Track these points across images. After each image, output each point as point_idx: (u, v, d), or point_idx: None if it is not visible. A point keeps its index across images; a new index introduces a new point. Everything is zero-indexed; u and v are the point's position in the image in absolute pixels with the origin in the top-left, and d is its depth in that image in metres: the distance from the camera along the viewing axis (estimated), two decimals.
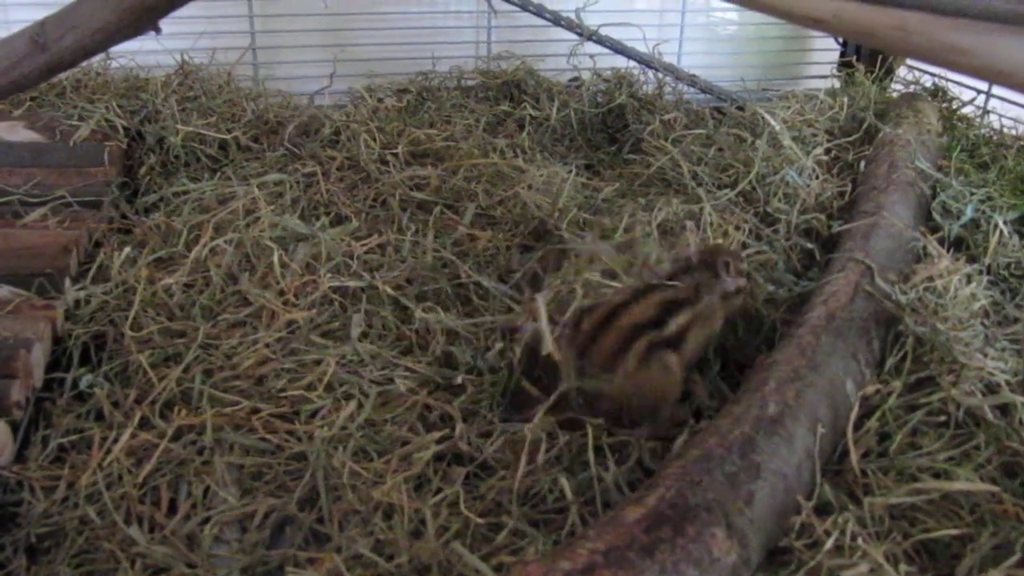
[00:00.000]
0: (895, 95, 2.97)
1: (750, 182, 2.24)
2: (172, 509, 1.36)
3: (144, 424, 1.49)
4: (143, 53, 2.67)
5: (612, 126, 2.83)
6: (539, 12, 2.92)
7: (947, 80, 2.98)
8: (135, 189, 2.36)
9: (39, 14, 1.77)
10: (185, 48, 2.76)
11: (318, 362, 1.59)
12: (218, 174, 2.33)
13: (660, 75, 2.99)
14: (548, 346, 1.45)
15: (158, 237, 1.97)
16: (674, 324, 1.54)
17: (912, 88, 3.06)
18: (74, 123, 2.37)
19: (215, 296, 1.76)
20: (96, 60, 2.65)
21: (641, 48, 3.03)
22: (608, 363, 1.47)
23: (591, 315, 1.53)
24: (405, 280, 1.85)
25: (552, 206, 2.10)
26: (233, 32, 2.92)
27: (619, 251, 1.78)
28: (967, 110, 2.90)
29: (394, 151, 2.39)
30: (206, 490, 1.37)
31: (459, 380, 1.58)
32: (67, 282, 1.80)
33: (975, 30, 1.09)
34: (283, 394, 1.53)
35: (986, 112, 2.87)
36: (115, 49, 2.43)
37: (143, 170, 2.40)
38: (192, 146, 2.43)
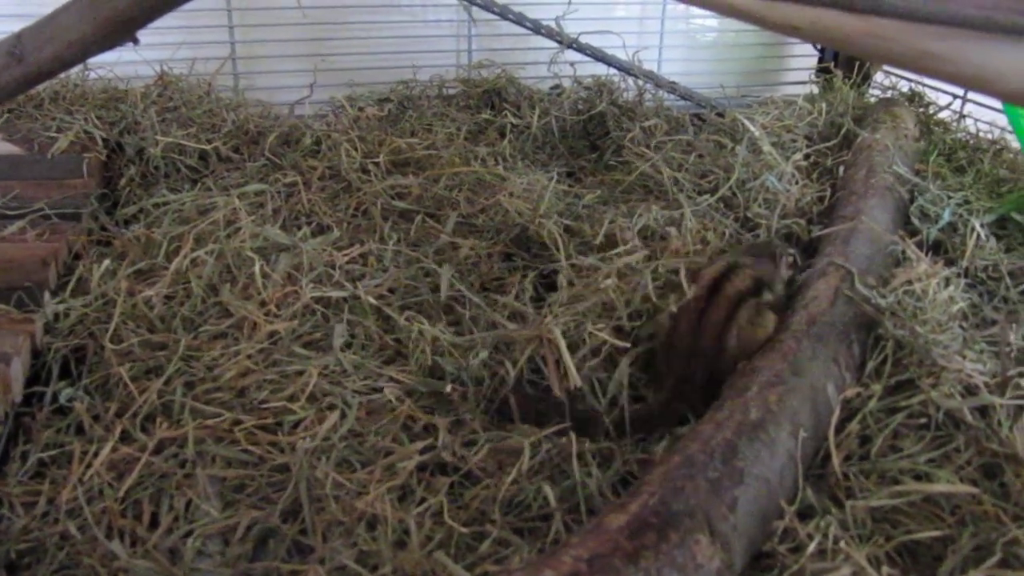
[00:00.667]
0: (873, 100, 3.00)
1: (730, 188, 2.26)
2: (154, 523, 1.35)
3: (125, 438, 1.47)
4: (122, 64, 2.65)
5: (593, 133, 2.84)
6: (519, 21, 2.93)
7: (924, 85, 3.01)
8: (115, 201, 2.35)
9: (16, 26, 1.75)
10: (164, 59, 2.74)
11: (300, 373, 1.58)
12: (198, 185, 2.33)
13: (640, 82, 3.00)
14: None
15: (138, 249, 1.96)
16: (769, 294, 1.69)
17: (889, 93, 3.10)
18: (52, 135, 2.35)
19: (196, 308, 1.75)
20: (74, 71, 2.64)
21: (621, 56, 3.05)
22: (719, 328, 1.60)
23: (698, 286, 1.66)
24: (388, 290, 1.85)
25: (533, 213, 2.11)
26: (213, 42, 2.91)
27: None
28: (944, 115, 2.93)
29: (375, 160, 2.39)
30: (188, 503, 1.36)
31: (448, 389, 1.58)
32: (46, 295, 1.79)
33: (948, 37, 1.10)
34: (265, 405, 1.52)
35: (962, 116, 2.90)
36: (93, 60, 2.41)
37: (123, 181, 2.38)
38: (172, 157, 2.42)
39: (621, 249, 1.90)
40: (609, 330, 1.63)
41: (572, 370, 1.51)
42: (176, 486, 1.39)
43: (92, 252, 2.01)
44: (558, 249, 1.95)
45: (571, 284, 1.81)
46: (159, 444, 1.45)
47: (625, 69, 3.03)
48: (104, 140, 2.41)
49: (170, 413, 1.52)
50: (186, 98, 2.66)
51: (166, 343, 1.67)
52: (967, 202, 2.21)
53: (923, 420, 1.50)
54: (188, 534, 1.31)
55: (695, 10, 3.54)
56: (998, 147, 2.63)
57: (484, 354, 1.63)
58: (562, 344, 1.55)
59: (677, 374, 1.59)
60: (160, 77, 2.72)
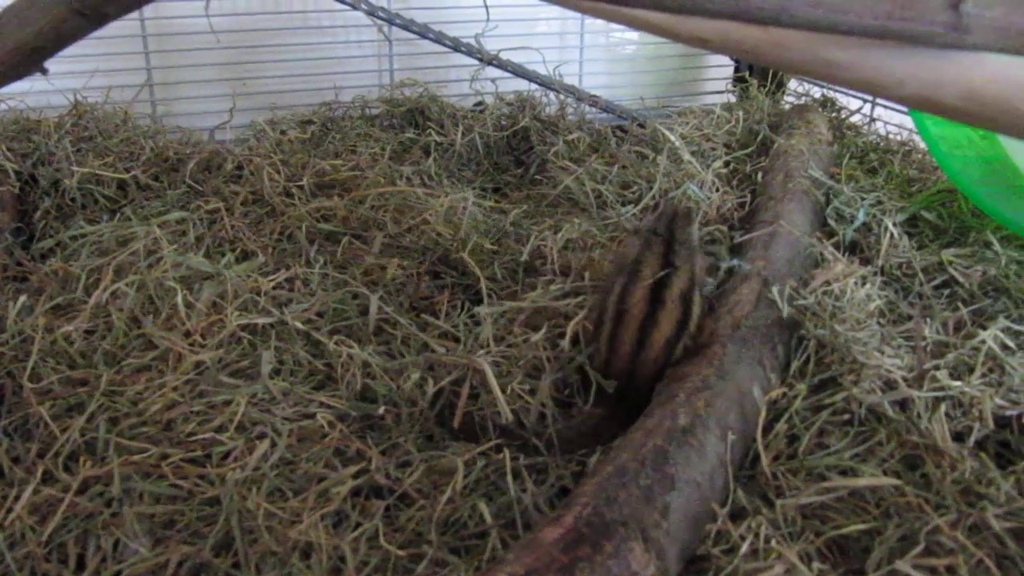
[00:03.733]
0: (787, 107, 3.08)
1: (653, 197, 2.30)
2: (80, 565, 1.30)
3: (47, 478, 1.42)
4: (34, 93, 2.58)
5: (517, 148, 2.86)
6: (439, 39, 2.94)
7: (835, 91, 3.11)
8: (30, 235, 2.27)
9: None
10: (78, 87, 2.68)
11: (228, 402, 1.55)
12: (117, 215, 2.27)
13: (562, 97, 3.03)
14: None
15: (56, 283, 1.90)
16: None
17: (803, 100, 3.19)
18: None
19: (118, 341, 1.71)
20: None
21: (542, 71, 3.08)
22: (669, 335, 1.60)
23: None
24: (316, 314, 1.83)
25: (453, 234, 2.10)
26: (128, 69, 2.85)
27: None
28: (855, 119, 3.03)
29: (299, 183, 2.36)
30: (116, 543, 1.32)
31: (381, 411, 1.57)
32: None
33: (849, 45, 1.14)
34: (193, 438, 1.49)
35: (873, 120, 3.00)
36: (3, 91, 2.34)
37: (38, 214, 2.31)
38: (89, 188, 2.36)
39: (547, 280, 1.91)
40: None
41: (503, 405, 1.51)
42: (103, 526, 1.34)
43: (7, 288, 1.94)
44: (479, 279, 1.95)
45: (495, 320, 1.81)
46: (83, 483, 1.40)
47: (546, 84, 3.06)
48: (17, 172, 2.35)
49: (94, 451, 1.48)
50: (102, 127, 2.60)
51: (88, 379, 1.62)
52: (880, 202, 2.28)
53: (847, 416, 1.54)
54: (117, 574, 1.27)
55: (614, 25, 3.59)
56: (907, 148, 2.73)
57: (417, 375, 1.62)
58: (492, 379, 1.54)
59: (617, 387, 1.60)
60: (74, 106, 2.65)
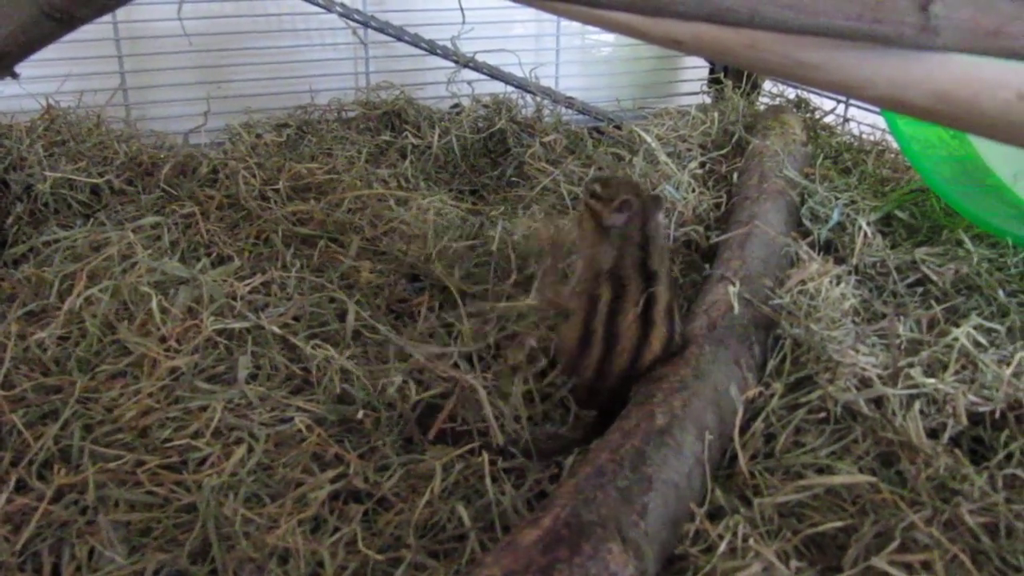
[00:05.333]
0: (762, 108, 3.10)
1: None
2: (56, 575, 1.29)
3: (21, 487, 1.41)
4: (4, 98, 2.55)
5: (494, 151, 2.86)
6: (415, 42, 2.94)
7: (809, 92, 3.13)
8: (2, 241, 2.24)
9: None
10: (51, 91, 2.65)
11: (204, 408, 1.54)
12: (91, 220, 2.25)
13: (538, 99, 3.04)
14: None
15: (28, 290, 1.88)
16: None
17: (777, 101, 3.21)
18: None
19: (92, 347, 1.69)
20: None
21: (518, 73, 3.08)
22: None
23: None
24: (292, 318, 1.82)
25: (420, 249, 2.10)
26: (102, 73, 2.83)
27: None
28: (829, 119, 3.05)
29: (275, 187, 2.35)
30: (91, 551, 1.30)
31: (360, 415, 1.56)
32: None
33: (820, 47, 1.15)
34: (169, 444, 1.48)
35: (846, 120, 3.03)
36: None
37: (10, 220, 2.28)
38: (62, 193, 2.33)
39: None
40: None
41: (496, 431, 1.50)
42: (77, 534, 1.33)
43: None
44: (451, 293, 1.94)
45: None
46: (58, 492, 1.39)
47: (523, 86, 3.07)
48: None
49: (68, 458, 1.46)
50: (75, 131, 2.57)
51: (61, 386, 1.60)
52: (854, 202, 2.30)
53: (823, 414, 1.55)
54: None
55: (590, 26, 3.61)
56: (880, 148, 2.76)
57: (399, 379, 1.62)
58: (486, 403, 1.53)
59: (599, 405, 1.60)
60: (46, 110, 2.63)
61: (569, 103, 3.11)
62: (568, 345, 1.64)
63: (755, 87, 3.28)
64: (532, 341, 1.67)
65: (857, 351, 1.63)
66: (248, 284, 1.89)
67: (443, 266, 1.98)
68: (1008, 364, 1.61)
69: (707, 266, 1.99)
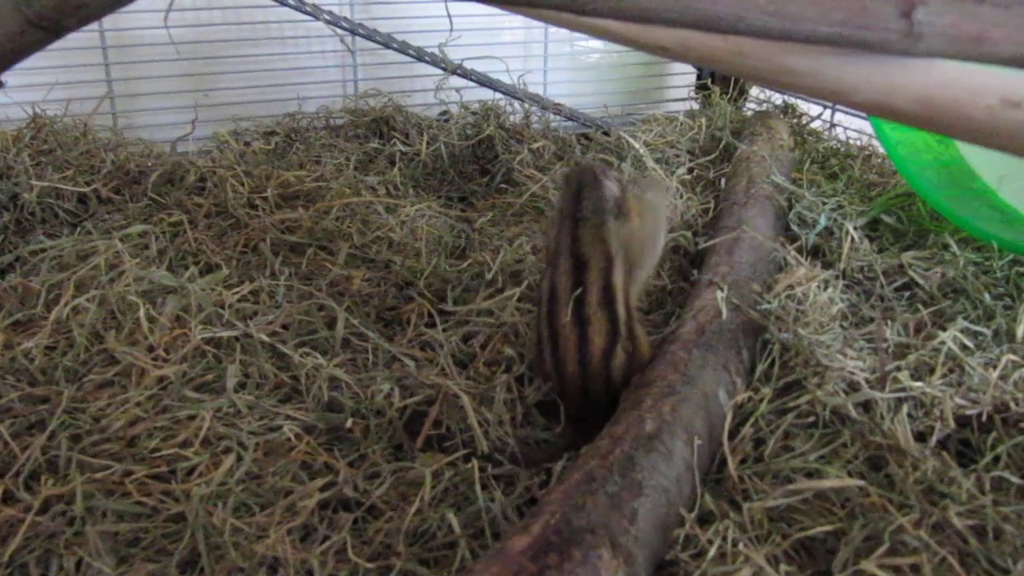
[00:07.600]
0: (749, 114, 3.12)
1: None
2: None
3: (8, 498, 1.40)
4: None
5: (483, 157, 2.86)
6: (403, 49, 2.94)
7: (796, 97, 3.15)
8: None
9: None
10: (37, 100, 2.64)
11: (193, 417, 1.54)
12: (78, 229, 2.24)
13: (526, 105, 3.04)
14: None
15: (15, 299, 1.87)
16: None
17: (764, 106, 3.23)
18: None
19: (79, 357, 1.68)
20: None
21: (507, 80, 3.09)
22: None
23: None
24: (281, 326, 1.81)
25: (417, 259, 2.10)
26: (88, 81, 2.82)
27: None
28: (815, 125, 3.07)
29: (263, 195, 2.35)
30: (79, 563, 1.29)
31: (348, 424, 1.56)
32: None
33: (806, 53, 1.16)
34: (157, 454, 1.47)
35: (833, 126, 3.05)
36: None
37: None
38: (49, 202, 2.32)
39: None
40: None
41: (480, 438, 1.50)
42: (65, 545, 1.32)
43: None
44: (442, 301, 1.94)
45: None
46: (45, 502, 1.38)
47: (511, 93, 3.07)
48: None
49: (56, 469, 1.45)
50: (62, 140, 2.56)
51: (48, 396, 1.59)
52: (841, 207, 2.31)
53: (811, 419, 1.55)
54: None
55: (578, 33, 3.62)
56: (867, 153, 2.78)
57: (387, 386, 1.61)
58: (470, 411, 1.53)
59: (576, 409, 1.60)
60: (33, 119, 2.62)
61: (557, 110, 3.12)
62: (530, 346, 1.65)
63: (742, 93, 3.30)
64: (509, 350, 1.67)
65: (845, 355, 1.63)
66: (236, 292, 1.88)
67: (436, 287, 1.98)
68: (995, 367, 1.62)
69: (695, 271, 2.00)
